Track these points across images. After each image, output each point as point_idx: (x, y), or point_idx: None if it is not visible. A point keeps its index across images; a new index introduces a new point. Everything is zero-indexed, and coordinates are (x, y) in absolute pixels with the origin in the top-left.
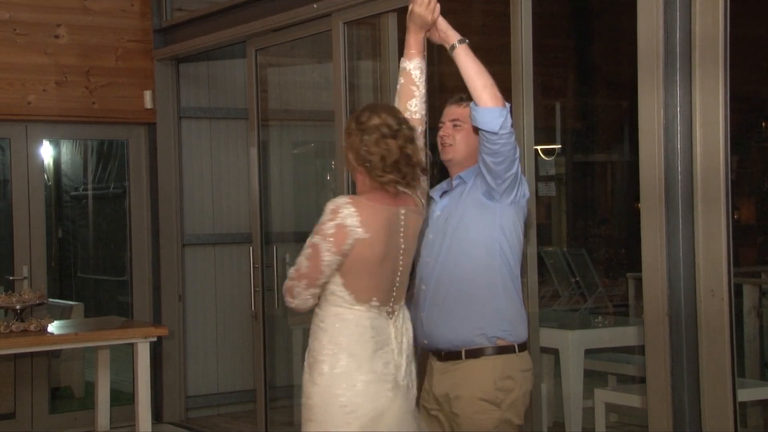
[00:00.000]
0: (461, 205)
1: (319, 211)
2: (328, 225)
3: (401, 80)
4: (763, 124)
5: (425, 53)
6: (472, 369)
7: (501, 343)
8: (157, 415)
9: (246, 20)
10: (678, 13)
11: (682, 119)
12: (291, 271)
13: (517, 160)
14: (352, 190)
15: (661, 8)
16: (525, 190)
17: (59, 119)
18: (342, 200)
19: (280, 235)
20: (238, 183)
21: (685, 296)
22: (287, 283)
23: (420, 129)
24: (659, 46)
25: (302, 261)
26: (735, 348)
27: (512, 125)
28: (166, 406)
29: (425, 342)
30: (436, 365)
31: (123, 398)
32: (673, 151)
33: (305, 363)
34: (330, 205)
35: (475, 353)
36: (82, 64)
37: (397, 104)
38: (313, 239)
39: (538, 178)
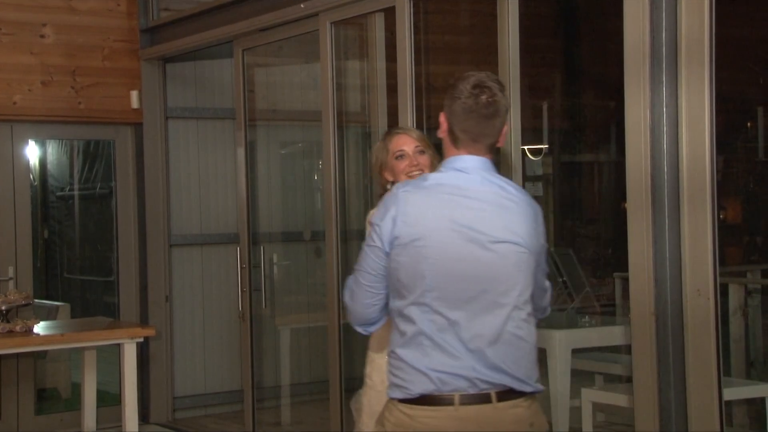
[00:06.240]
0: None
1: (306, 211)
2: None
3: None
4: (749, 124)
5: None
6: None
7: None
8: (144, 416)
9: (233, 20)
10: (664, 14)
11: (669, 119)
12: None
13: None
14: (341, 191)
15: (648, 9)
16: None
17: (45, 119)
18: None
19: (267, 236)
20: (225, 183)
21: (672, 296)
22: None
23: None
24: (646, 46)
25: None
26: (721, 347)
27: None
28: (153, 406)
29: None
30: None
31: (110, 399)
32: (660, 151)
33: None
34: None
35: None
36: (68, 64)
37: None
38: None
39: (526, 179)
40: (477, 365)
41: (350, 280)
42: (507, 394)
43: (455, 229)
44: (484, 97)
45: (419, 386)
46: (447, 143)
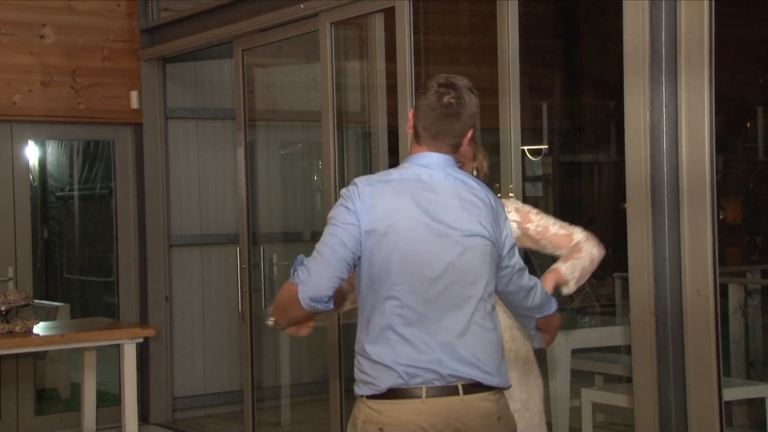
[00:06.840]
0: None
1: (306, 211)
2: None
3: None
4: (749, 124)
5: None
6: None
7: None
8: (143, 416)
9: (233, 20)
10: (664, 15)
11: (668, 120)
12: None
13: None
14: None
15: (647, 9)
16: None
17: (45, 119)
18: None
19: (267, 236)
20: (225, 183)
21: (672, 296)
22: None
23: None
24: (645, 47)
25: None
26: (721, 347)
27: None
28: (152, 407)
29: None
30: None
31: (109, 399)
32: (660, 152)
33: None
34: None
35: None
36: (68, 65)
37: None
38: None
39: (525, 179)
40: (444, 358)
41: (302, 258)
42: (474, 387)
43: (423, 222)
44: (447, 97)
45: (387, 381)
46: (412, 139)
